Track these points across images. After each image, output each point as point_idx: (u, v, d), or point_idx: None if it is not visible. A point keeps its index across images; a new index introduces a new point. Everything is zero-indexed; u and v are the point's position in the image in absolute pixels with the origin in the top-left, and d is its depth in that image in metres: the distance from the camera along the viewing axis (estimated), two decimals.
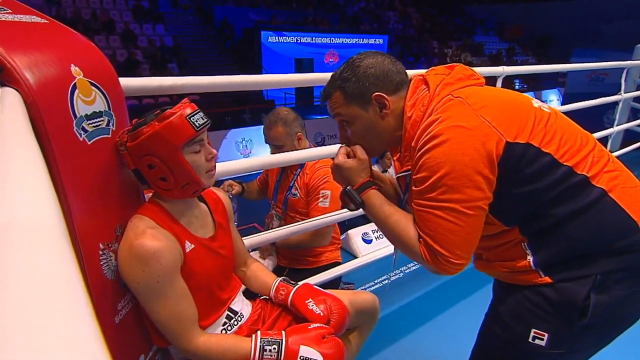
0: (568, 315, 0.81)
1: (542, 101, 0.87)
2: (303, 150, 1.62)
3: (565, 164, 0.80)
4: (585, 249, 0.81)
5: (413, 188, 0.87)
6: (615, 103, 3.48)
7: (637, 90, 3.83)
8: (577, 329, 0.81)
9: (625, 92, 3.45)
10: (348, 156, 1.00)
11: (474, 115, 0.80)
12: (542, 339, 0.84)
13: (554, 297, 0.82)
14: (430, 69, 0.98)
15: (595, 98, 3.13)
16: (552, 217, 0.81)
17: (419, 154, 0.84)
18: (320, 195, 1.67)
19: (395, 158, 1.01)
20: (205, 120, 0.91)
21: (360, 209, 1.00)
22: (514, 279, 0.89)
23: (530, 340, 0.85)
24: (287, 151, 1.64)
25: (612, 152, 3.51)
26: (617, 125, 3.56)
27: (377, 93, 0.92)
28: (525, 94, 0.95)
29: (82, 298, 0.25)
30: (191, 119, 0.88)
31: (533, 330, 0.85)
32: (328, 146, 1.66)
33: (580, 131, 0.88)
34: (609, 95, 3.33)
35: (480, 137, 0.78)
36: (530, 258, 0.84)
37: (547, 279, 0.83)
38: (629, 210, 0.79)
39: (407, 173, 0.94)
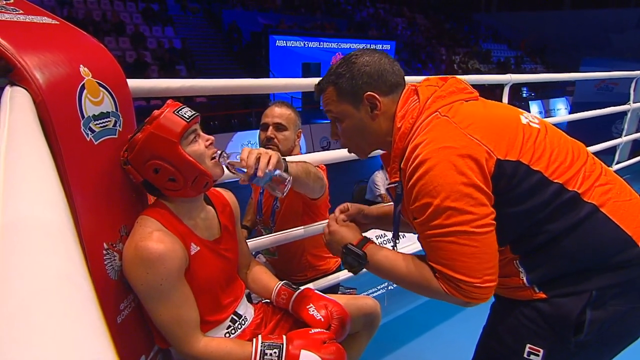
0: (563, 331, 0.80)
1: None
2: (304, 156, 1.56)
3: (555, 181, 0.78)
4: (580, 266, 0.80)
5: (414, 220, 0.84)
6: (624, 113, 3.45)
7: None
8: (573, 345, 0.80)
9: (634, 102, 3.42)
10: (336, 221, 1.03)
11: (461, 135, 0.78)
12: (538, 355, 0.83)
13: (549, 312, 0.81)
14: (424, 79, 0.97)
15: (604, 107, 3.11)
16: (543, 235, 0.80)
17: (411, 182, 0.81)
18: None
19: (387, 169, 0.99)
20: (193, 112, 0.92)
21: (364, 270, 0.97)
22: (510, 294, 0.88)
23: (525, 355, 0.84)
24: (287, 139, 1.56)
25: (620, 162, 3.49)
26: (625, 136, 3.53)
27: (369, 93, 0.90)
28: (515, 108, 0.93)
29: (89, 297, 0.25)
30: (179, 112, 0.90)
31: (528, 345, 0.84)
32: (331, 151, 1.65)
33: (571, 145, 0.86)
34: (617, 105, 3.30)
35: (470, 155, 0.77)
36: (523, 276, 0.83)
37: (542, 295, 0.82)
38: (622, 225, 0.78)
39: (394, 185, 0.92)
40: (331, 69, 0.95)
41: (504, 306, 0.90)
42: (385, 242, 2.72)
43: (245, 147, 1.03)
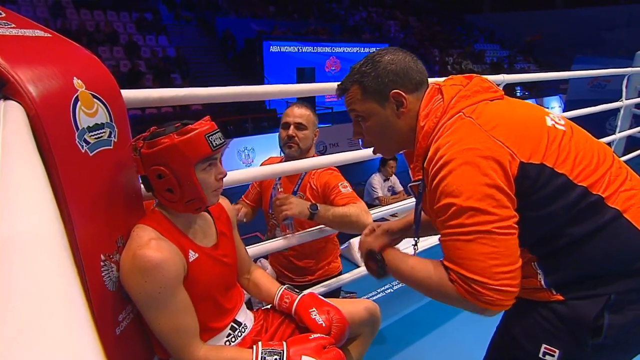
0: (579, 333, 0.79)
1: (559, 113, 0.86)
2: (308, 159, 1.60)
3: (580, 184, 0.77)
4: (600, 270, 0.79)
5: (437, 219, 0.84)
6: (617, 110, 3.48)
7: (638, 96, 3.82)
8: (590, 348, 0.79)
9: (626, 99, 3.45)
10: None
11: (485, 136, 0.78)
12: (553, 356, 0.82)
13: (566, 313, 0.80)
14: (448, 77, 0.96)
15: (597, 105, 3.13)
16: (564, 238, 0.79)
17: (434, 182, 0.81)
18: (339, 186, 1.60)
19: (411, 167, 1.00)
20: (223, 141, 0.93)
21: (386, 270, 0.99)
22: (527, 294, 0.87)
23: (540, 356, 0.83)
24: (306, 138, 1.65)
25: None
26: (619, 132, 3.55)
27: (395, 90, 0.89)
28: (541, 108, 0.92)
29: (82, 311, 0.25)
30: (210, 137, 0.89)
31: (544, 345, 0.83)
32: (328, 155, 1.66)
33: (597, 148, 0.85)
34: (610, 102, 3.32)
35: (494, 157, 0.76)
36: (541, 277, 0.82)
37: (559, 297, 0.81)
38: None
39: (417, 183, 0.93)
40: (354, 69, 0.94)
41: (520, 306, 0.88)
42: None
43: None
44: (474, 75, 0.94)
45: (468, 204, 0.76)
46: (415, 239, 1.08)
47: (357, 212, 1.50)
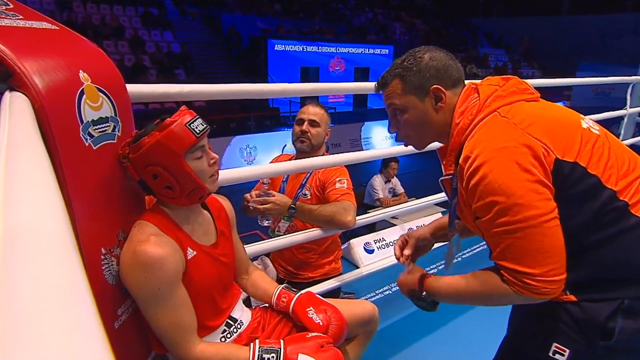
0: (590, 334, 0.80)
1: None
2: (309, 159, 1.61)
3: (610, 187, 0.78)
4: (615, 275, 0.80)
5: (477, 219, 0.85)
6: (621, 118, 3.47)
7: None
8: (600, 350, 0.80)
9: (630, 107, 3.44)
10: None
11: (521, 134, 0.80)
12: (563, 355, 0.83)
13: (578, 314, 0.82)
14: (485, 78, 0.99)
15: (601, 112, 3.12)
16: (586, 240, 0.80)
17: (472, 182, 0.82)
18: (336, 182, 1.67)
19: (443, 163, 1.01)
20: (205, 125, 0.92)
21: (435, 302, 1.03)
22: None
23: (550, 354, 0.84)
24: (318, 135, 1.73)
25: None
26: (622, 140, 3.55)
27: (436, 86, 0.92)
28: (576, 113, 0.93)
29: (88, 303, 0.25)
30: (191, 125, 0.89)
31: (554, 344, 0.84)
32: (330, 155, 1.67)
33: (628, 155, 0.86)
34: (614, 110, 3.32)
35: (532, 151, 0.78)
36: None
37: (572, 297, 0.82)
38: None
39: (450, 177, 0.95)
40: (396, 63, 0.97)
41: (533, 305, 0.89)
42: (383, 246, 2.73)
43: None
44: (512, 76, 0.96)
45: (513, 200, 0.77)
46: (451, 233, 1.10)
47: (335, 210, 1.57)
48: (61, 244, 0.28)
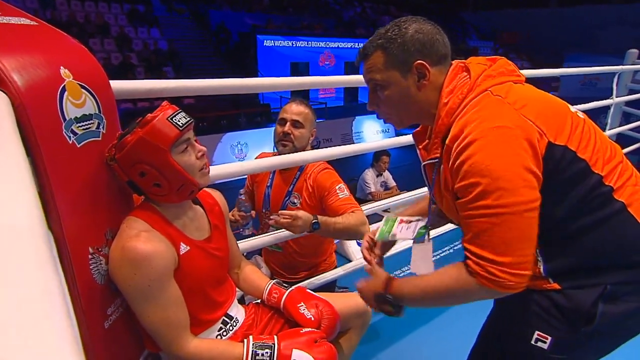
0: (574, 321, 0.81)
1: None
2: (301, 153, 1.58)
3: (597, 172, 0.78)
4: (599, 261, 0.80)
5: (459, 199, 0.81)
6: (608, 107, 3.51)
7: (628, 94, 3.86)
8: (581, 335, 0.81)
9: (617, 97, 3.48)
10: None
11: (516, 115, 0.76)
12: (545, 342, 0.83)
13: (562, 302, 0.81)
14: (471, 57, 0.93)
15: (588, 102, 3.15)
16: (572, 226, 0.79)
17: (459, 160, 0.78)
18: (337, 190, 1.56)
19: (421, 146, 0.97)
20: (188, 119, 0.91)
21: (403, 307, 0.95)
22: None
23: (532, 342, 0.84)
24: (302, 136, 1.59)
25: None
26: (609, 130, 3.59)
27: (420, 61, 0.86)
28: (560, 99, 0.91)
29: (59, 304, 0.24)
30: (173, 119, 0.88)
31: (537, 332, 0.84)
32: (320, 149, 1.66)
33: (609, 142, 0.86)
34: (601, 100, 3.35)
35: (525, 135, 0.74)
36: (540, 265, 0.83)
37: (556, 285, 0.82)
38: None
39: (434, 161, 0.89)
40: (379, 32, 0.90)
41: (515, 294, 0.86)
42: None
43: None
44: (499, 57, 0.92)
45: (497, 184, 0.73)
46: (429, 225, 1.05)
47: (354, 223, 1.48)
48: (33, 245, 0.27)
